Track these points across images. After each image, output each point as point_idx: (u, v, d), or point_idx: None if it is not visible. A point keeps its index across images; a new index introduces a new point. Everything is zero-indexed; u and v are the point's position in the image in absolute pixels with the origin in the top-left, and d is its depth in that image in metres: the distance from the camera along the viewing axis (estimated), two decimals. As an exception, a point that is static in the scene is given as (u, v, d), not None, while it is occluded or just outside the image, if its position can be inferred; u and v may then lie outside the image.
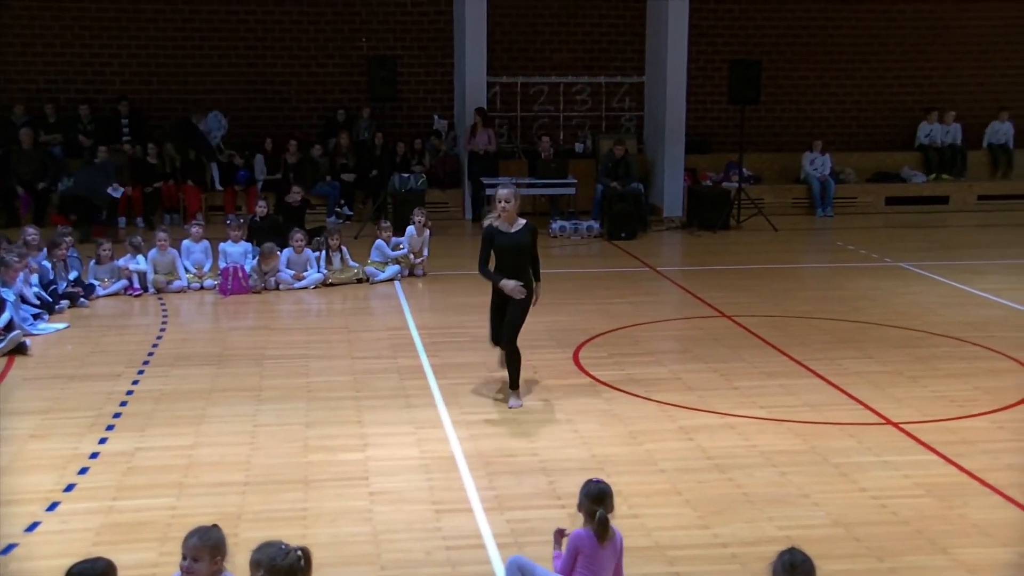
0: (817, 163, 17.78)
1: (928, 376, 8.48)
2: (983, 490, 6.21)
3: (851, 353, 9.16)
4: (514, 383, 7.80)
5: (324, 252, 12.16)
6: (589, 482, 4.67)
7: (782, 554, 3.94)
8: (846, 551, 5.42)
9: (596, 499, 4.57)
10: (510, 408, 7.72)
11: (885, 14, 18.77)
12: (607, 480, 4.80)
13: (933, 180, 18.32)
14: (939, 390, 8.12)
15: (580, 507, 4.63)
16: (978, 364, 8.82)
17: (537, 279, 7.81)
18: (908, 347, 9.36)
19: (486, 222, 7.86)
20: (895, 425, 7.33)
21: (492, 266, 7.76)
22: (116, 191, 15.36)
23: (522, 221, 7.75)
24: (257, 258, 11.90)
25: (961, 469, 6.52)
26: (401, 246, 12.53)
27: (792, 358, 8.99)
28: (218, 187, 16.52)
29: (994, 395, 7.97)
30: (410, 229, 12.59)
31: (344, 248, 12.34)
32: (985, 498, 6.11)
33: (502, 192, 7.72)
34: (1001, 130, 18.84)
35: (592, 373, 8.58)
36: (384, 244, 12.44)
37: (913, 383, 8.30)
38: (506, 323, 7.70)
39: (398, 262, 12.42)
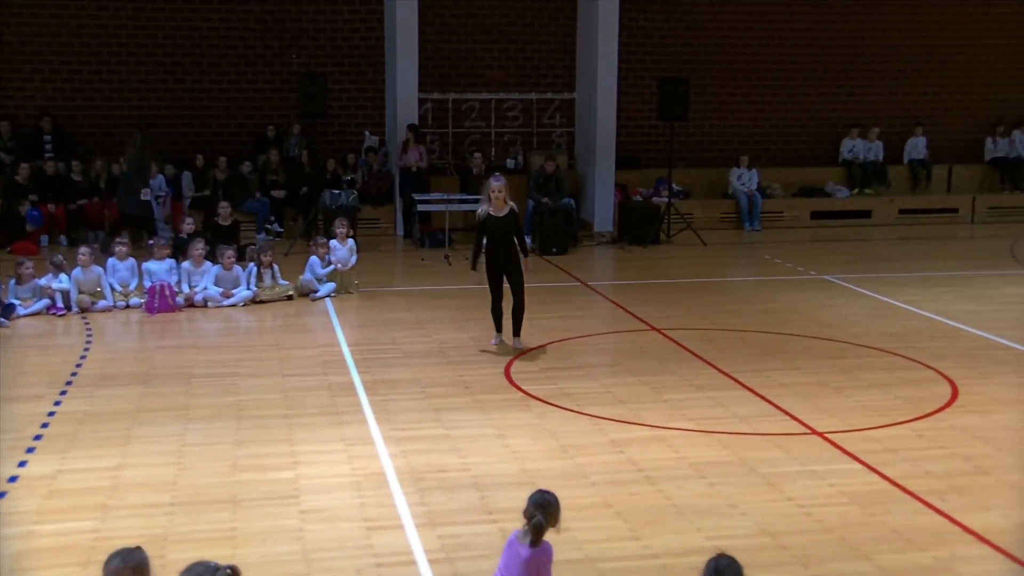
0: (744, 178, 18.08)
1: (852, 386, 8.66)
2: (904, 497, 6.36)
3: (778, 365, 9.31)
4: (517, 331, 9.82)
5: (255, 269, 12.04)
6: (538, 490, 4.76)
7: (709, 561, 3.99)
8: (773, 559, 5.51)
9: (536, 506, 4.65)
10: (515, 348, 9.73)
11: (808, 33, 19.19)
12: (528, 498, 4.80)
13: (856, 195, 18.75)
14: (863, 400, 8.29)
15: (525, 512, 4.69)
16: (900, 374, 9.03)
17: (525, 254, 9.80)
18: (833, 358, 9.55)
19: (480, 213, 9.68)
20: (820, 435, 7.46)
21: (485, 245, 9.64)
22: (146, 195, 14.78)
23: (508, 206, 9.63)
24: (186, 263, 11.81)
25: (883, 477, 6.66)
26: (331, 262, 12.44)
27: (721, 370, 9.11)
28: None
29: (915, 404, 8.16)
30: (333, 242, 12.52)
31: (275, 265, 12.24)
32: (905, 504, 6.25)
33: (495, 184, 9.65)
34: (918, 145, 19.37)
35: (524, 387, 8.62)
36: (318, 261, 12.36)
37: (838, 393, 8.47)
38: (515, 289, 9.72)
39: (332, 279, 12.35)
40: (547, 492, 4.72)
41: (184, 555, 5.23)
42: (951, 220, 18.60)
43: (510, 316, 9.86)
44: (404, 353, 9.74)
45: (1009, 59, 19.78)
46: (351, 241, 12.66)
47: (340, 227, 12.68)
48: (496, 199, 9.62)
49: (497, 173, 10.05)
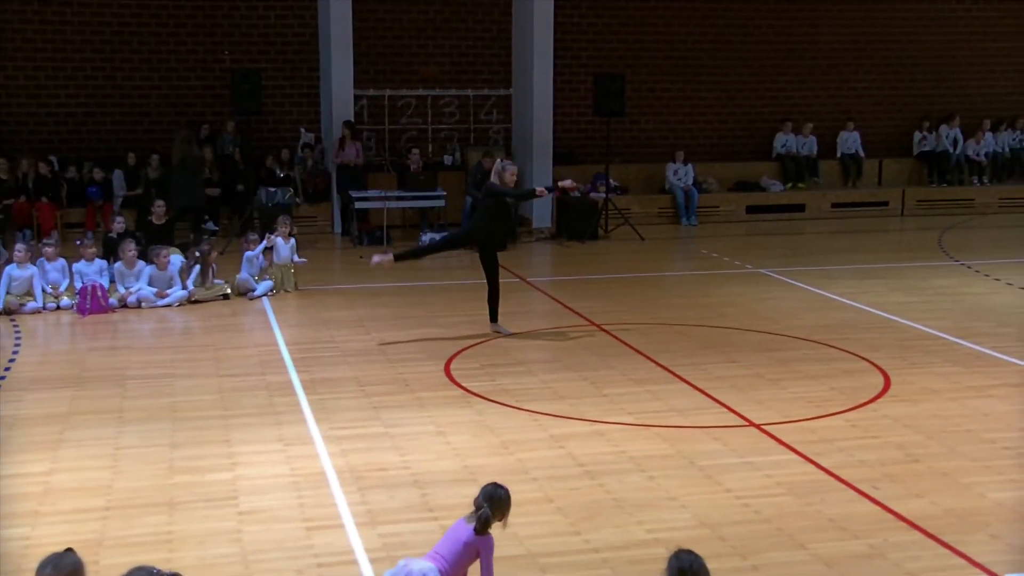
0: (680, 173, 18.25)
1: (788, 378, 8.78)
2: (838, 486, 6.47)
3: (716, 358, 9.41)
4: (495, 316, 10.29)
5: (199, 268, 11.87)
6: (492, 483, 4.81)
7: (671, 560, 3.91)
8: (712, 551, 5.54)
9: (487, 498, 4.72)
10: (508, 335, 10.14)
11: (741, 29, 19.42)
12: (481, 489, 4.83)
13: (790, 189, 19.03)
14: (798, 391, 8.42)
15: (475, 501, 4.72)
16: (834, 365, 9.18)
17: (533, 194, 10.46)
18: (769, 351, 9.68)
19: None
20: (757, 427, 7.56)
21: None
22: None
23: None
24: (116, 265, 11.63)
25: (818, 467, 6.77)
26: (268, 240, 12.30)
27: (659, 364, 9.19)
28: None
29: (849, 395, 8.31)
30: (277, 239, 12.36)
31: (214, 265, 12.08)
32: (840, 493, 6.36)
33: (513, 167, 10.19)
34: (849, 140, 19.72)
35: (463, 384, 8.61)
36: (251, 254, 12.22)
37: (774, 385, 8.59)
38: (494, 276, 10.19)
39: (269, 276, 12.22)
40: (500, 486, 4.77)
41: (119, 560, 5.15)
42: (882, 213, 18.97)
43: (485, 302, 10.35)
44: (343, 352, 9.67)
45: (935, 55, 20.22)
46: (293, 240, 12.51)
47: (283, 225, 12.51)
48: (511, 182, 10.07)
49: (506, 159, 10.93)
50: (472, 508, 4.74)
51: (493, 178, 10.13)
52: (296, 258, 12.43)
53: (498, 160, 10.77)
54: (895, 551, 5.59)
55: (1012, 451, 7.09)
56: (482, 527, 4.64)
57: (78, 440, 7.30)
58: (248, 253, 12.22)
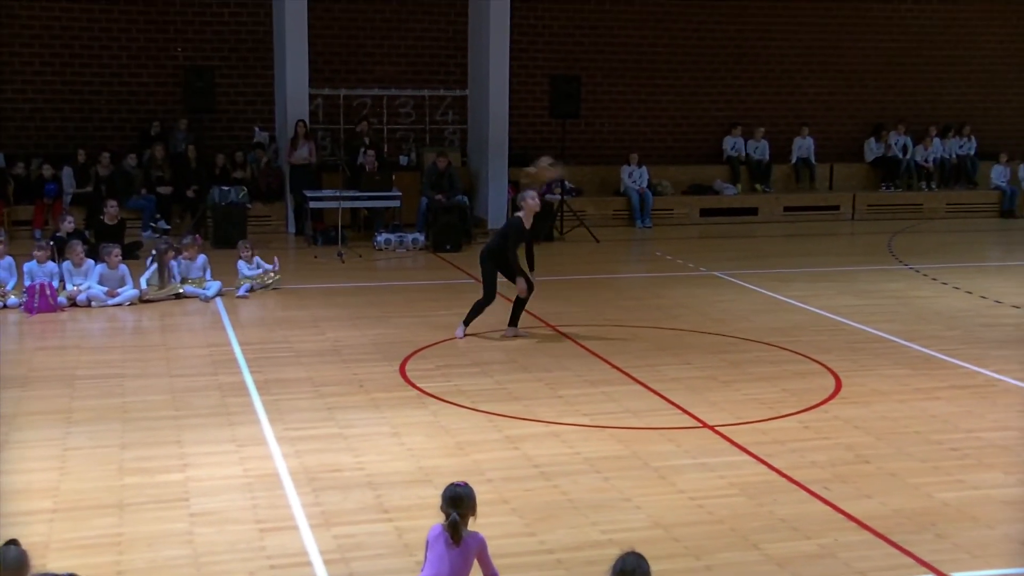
0: (635, 176, 18.35)
1: (741, 380, 8.86)
2: (790, 487, 6.54)
3: (669, 360, 9.47)
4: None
5: (155, 267, 11.73)
6: (449, 485, 4.72)
7: (615, 562, 3.96)
8: (665, 551, 5.59)
9: (449, 502, 4.63)
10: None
11: (695, 33, 19.57)
12: (438, 489, 4.78)
13: (744, 192, 19.20)
14: (751, 393, 8.49)
15: (441, 508, 4.66)
16: (786, 367, 9.28)
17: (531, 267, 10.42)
18: (722, 352, 9.75)
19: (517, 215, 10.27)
20: (711, 428, 7.62)
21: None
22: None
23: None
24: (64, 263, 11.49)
25: (771, 468, 6.84)
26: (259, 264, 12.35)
27: (614, 366, 9.23)
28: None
29: (800, 396, 8.40)
30: (239, 262, 12.29)
31: (172, 264, 11.94)
32: (792, 494, 6.43)
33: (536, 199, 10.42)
34: (803, 145, 19.95)
35: (418, 385, 8.58)
36: (245, 265, 12.14)
37: (727, 387, 8.66)
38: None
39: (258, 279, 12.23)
40: (459, 484, 4.69)
41: (67, 563, 5.08)
42: (833, 217, 19.21)
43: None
44: (297, 352, 9.60)
45: (885, 61, 20.52)
46: (256, 259, 12.37)
47: (243, 250, 12.35)
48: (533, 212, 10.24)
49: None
50: (442, 516, 4.67)
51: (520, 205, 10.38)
52: (267, 266, 12.35)
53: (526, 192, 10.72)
54: (845, 551, 5.66)
55: (958, 452, 7.21)
56: (454, 534, 4.57)
57: (24, 441, 7.17)
58: (240, 263, 12.20)
